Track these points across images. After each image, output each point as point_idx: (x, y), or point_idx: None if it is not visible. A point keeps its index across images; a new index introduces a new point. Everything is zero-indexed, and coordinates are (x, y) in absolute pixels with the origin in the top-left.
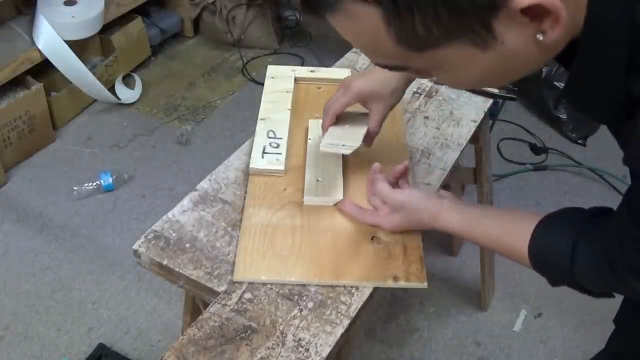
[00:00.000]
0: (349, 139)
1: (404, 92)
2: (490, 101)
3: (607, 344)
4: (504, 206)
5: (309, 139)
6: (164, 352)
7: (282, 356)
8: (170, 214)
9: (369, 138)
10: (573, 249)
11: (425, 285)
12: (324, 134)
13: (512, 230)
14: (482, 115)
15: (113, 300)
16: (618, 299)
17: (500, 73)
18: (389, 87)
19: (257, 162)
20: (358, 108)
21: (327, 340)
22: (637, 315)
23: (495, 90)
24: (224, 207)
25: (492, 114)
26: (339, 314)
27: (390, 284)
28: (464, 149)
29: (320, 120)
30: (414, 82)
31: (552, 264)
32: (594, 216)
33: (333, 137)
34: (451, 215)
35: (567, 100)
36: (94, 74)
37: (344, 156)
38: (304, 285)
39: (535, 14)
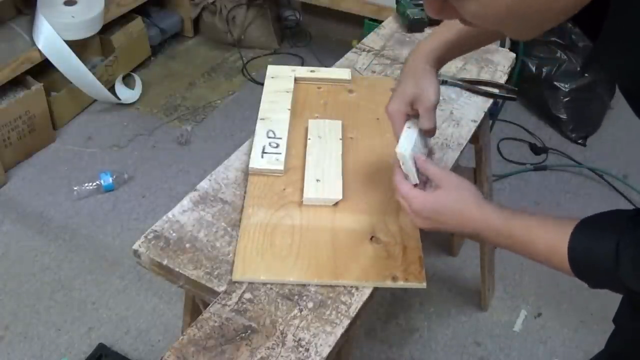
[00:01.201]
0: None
1: (436, 78)
2: (490, 101)
3: (607, 344)
4: None
5: (309, 139)
6: (164, 352)
7: (282, 356)
8: (170, 214)
9: (429, 136)
10: (617, 248)
11: (424, 285)
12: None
13: (549, 230)
14: (482, 115)
15: (113, 300)
16: (618, 297)
17: (528, 11)
18: (421, 85)
19: (257, 162)
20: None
21: (327, 340)
22: (636, 315)
23: (496, 90)
24: (224, 207)
25: (492, 114)
26: (339, 314)
27: (389, 284)
28: (464, 149)
29: (321, 121)
30: None
31: (594, 265)
32: (636, 216)
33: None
34: (482, 223)
35: (597, 61)
36: (94, 74)
37: (344, 156)
38: (304, 285)
39: None
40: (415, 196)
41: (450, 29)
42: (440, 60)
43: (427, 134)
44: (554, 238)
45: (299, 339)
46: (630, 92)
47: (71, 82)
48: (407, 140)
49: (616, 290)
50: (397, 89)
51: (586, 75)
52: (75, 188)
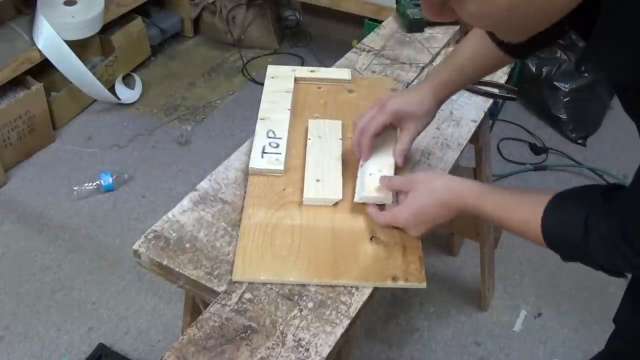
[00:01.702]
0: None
1: (434, 114)
2: (490, 101)
3: (607, 344)
4: None
5: (309, 139)
6: (164, 352)
7: (282, 356)
8: (170, 214)
9: (399, 157)
10: (586, 221)
11: (424, 285)
12: (363, 156)
13: (525, 204)
14: (482, 115)
15: (113, 300)
16: (618, 297)
17: (529, 10)
18: (422, 108)
19: (257, 162)
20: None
21: (327, 340)
22: (635, 315)
23: (495, 90)
24: (224, 207)
25: (492, 114)
26: (339, 314)
27: (389, 284)
28: (464, 149)
29: (321, 121)
30: (414, 82)
31: (564, 237)
32: (608, 191)
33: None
34: (466, 200)
35: (591, 60)
36: (94, 74)
37: (344, 156)
38: (304, 285)
39: None
40: (393, 214)
41: (463, 62)
42: (446, 97)
43: (398, 153)
44: (527, 213)
45: (299, 339)
46: (622, 90)
47: (71, 82)
48: (359, 184)
49: (586, 263)
50: (400, 96)
51: (586, 75)
52: (75, 188)
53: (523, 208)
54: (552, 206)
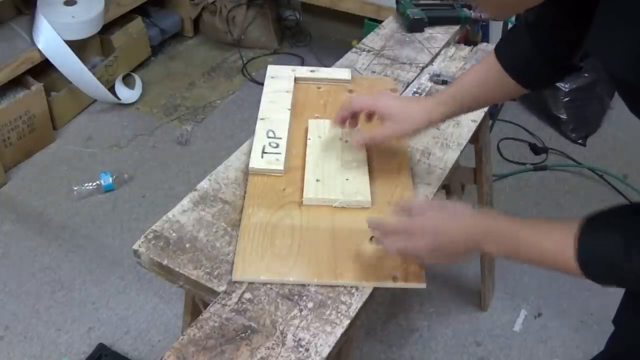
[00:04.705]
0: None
1: (420, 132)
2: None
3: (607, 345)
4: (504, 206)
5: (309, 138)
6: (164, 352)
7: (282, 356)
8: (170, 214)
9: (358, 140)
10: (626, 246)
11: (424, 285)
12: (335, 122)
13: (554, 231)
14: (482, 115)
15: (113, 300)
16: (618, 298)
17: None
18: (410, 122)
19: (257, 162)
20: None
21: (327, 340)
22: (636, 316)
23: None
24: (224, 207)
25: (492, 114)
26: (339, 314)
27: (389, 284)
28: (464, 149)
29: (321, 121)
30: (414, 82)
31: (605, 264)
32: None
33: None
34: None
35: (592, 51)
36: (94, 74)
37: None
38: (304, 285)
39: None
40: (407, 223)
41: (470, 85)
42: (440, 117)
43: (361, 138)
44: (562, 237)
45: (299, 339)
46: (624, 85)
47: (71, 82)
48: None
49: (628, 284)
50: (399, 99)
51: (586, 75)
52: (75, 188)
53: (556, 233)
54: (585, 235)
